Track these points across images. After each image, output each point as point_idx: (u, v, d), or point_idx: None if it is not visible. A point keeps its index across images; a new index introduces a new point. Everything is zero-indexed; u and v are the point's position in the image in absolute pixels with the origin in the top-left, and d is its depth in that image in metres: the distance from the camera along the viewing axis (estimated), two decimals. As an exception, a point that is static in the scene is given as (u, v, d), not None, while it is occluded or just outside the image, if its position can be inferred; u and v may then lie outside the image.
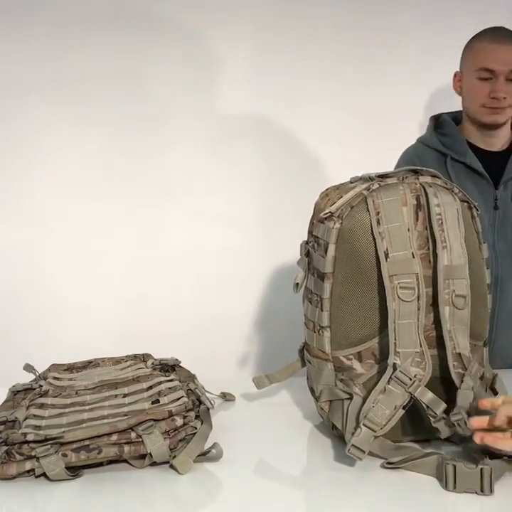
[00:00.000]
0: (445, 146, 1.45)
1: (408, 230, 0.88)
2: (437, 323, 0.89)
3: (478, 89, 1.39)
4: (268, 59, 1.89)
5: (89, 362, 1.16)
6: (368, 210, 0.90)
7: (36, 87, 1.82)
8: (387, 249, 0.88)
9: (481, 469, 0.80)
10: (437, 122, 1.51)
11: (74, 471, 0.84)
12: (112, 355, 1.19)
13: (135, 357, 1.17)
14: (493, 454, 0.85)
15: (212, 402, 0.99)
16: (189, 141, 1.90)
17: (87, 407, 0.94)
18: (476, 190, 1.36)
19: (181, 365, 1.17)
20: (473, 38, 1.43)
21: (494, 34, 1.39)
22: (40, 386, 1.04)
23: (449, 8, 1.93)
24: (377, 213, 0.89)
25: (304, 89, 1.84)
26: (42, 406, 0.96)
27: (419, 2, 1.93)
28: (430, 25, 1.93)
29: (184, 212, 1.92)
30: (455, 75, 1.48)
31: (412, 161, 1.46)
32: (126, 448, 0.85)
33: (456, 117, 1.52)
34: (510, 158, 1.45)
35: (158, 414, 0.87)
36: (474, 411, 0.88)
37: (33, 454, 0.82)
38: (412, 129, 1.90)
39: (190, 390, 1.00)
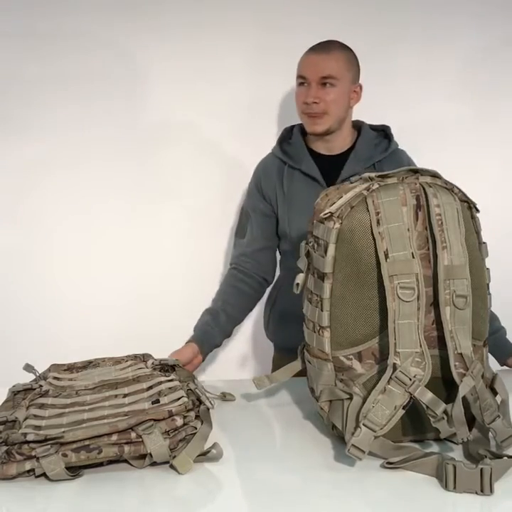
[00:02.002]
0: (286, 155, 1.51)
1: (408, 230, 0.89)
2: (438, 323, 0.89)
3: (297, 96, 1.46)
4: (268, 59, 1.89)
5: (90, 362, 1.16)
6: (368, 210, 0.90)
7: (36, 86, 1.82)
8: (387, 250, 0.88)
9: (481, 469, 0.80)
10: (289, 133, 1.57)
11: (74, 471, 0.84)
12: (112, 355, 1.19)
13: (135, 357, 1.17)
14: (494, 454, 0.85)
15: (212, 402, 0.99)
16: (189, 142, 1.90)
17: (87, 407, 0.94)
18: (312, 193, 1.29)
19: (181, 365, 1.17)
20: None
21: (313, 46, 1.44)
22: (41, 386, 1.04)
23: (449, 7, 1.93)
24: (377, 213, 0.89)
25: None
26: (42, 406, 0.96)
27: (419, 3, 1.93)
28: (431, 25, 1.93)
29: (184, 212, 1.92)
30: None
31: (258, 173, 1.55)
32: (127, 448, 0.85)
33: None
34: (348, 158, 1.48)
35: (158, 414, 0.87)
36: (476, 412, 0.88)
37: (33, 454, 0.82)
38: (413, 127, 1.90)
39: (190, 390, 1.00)
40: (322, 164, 1.49)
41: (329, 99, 1.42)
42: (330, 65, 1.41)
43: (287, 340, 1.59)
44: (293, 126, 1.59)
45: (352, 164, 1.47)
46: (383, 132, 1.57)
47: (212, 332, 1.37)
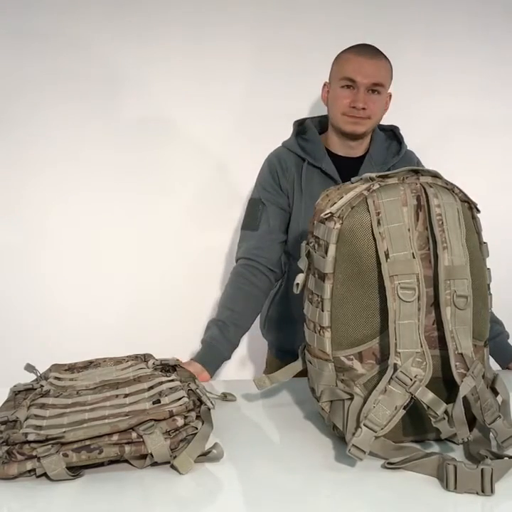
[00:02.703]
0: (304, 151, 1.50)
1: (408, 230, 0.89)
2: (439, 323, 0.89)
3: (340, 97, 1.43)
4: (268, 58, 1.89)
5: (91, 362, 1.16)
6: (369, 211, 0.90)
7: (35, 84, 1.82)
8: (387, 250, 0.88)
9: (482, 470, 0.80)
10: (301, 128, 1.56)
11: (75, 471, 0.84)
12: (113, 355, 1.19)
13: (136, 357, 1.17)
14: (495, 454, 0.85)
15: (213, 402, 0.99)
16: (188, 141, 1.90)
17: (88, 407, 0.94)
18: None
19: (181, 365, 1.17)
20: (342, 51, 1.47)
21: (361, 49, 1.43)
22: (41, 386, 1.04)
23: (451, 4, 1.94)
24: (378, 214, 0.89)
25: (305, 87, 1.84)
26: (43, 406, 0.96)
27: (421, 1, 1.93)
28: (432, 23, 1.94)
29: (184, 212, 1.92)
30: (324, 86, 1.52)
31: (274, 165, 1.52)
32: (127, 448, 0.85)
33: (321, 122, 1.57)
34: (363, 162, 1.49)
35: (159, 414, 0.87)
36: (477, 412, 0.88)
37: (34, 453, 0.82)
38: (415, 125, 1.90)
39: (191, 390, 1.00)
40: (338, 165, 1.49)
41: (375, 106, 1.43)
42: (381, 73, 1.41)
43: (282, 341, 1.59)
44: (303, 120, 1.57)
45: (367, 168, 1.47)
46: (391, 132, 1.56)
47: (221, 348, 1.32)
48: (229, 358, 1.35)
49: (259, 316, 1.67)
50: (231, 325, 1.35)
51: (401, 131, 1.59)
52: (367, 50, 1.43)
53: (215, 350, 1.32)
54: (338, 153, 1.51)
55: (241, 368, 1.97)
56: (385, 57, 1.45)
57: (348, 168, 1.48)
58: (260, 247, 1.46)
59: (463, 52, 1.96)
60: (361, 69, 1.40)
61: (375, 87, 1.41)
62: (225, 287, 1.46)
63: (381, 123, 1.56)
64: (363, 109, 1.41)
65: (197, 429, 0.91)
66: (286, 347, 1.57)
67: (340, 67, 1.44)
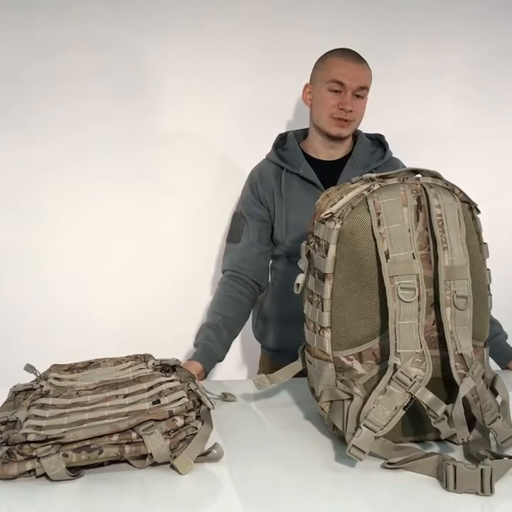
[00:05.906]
0: (283, 160, 1.53)
1: (409, 230, 0.89)
2: (439, 323, 0.89)
3: (327, 99, 1.46)
4: (269, 57, 1.89)
5: (90, 362, 1.16)
6: (369, 211, 0.90)
7: (35, 84, 1.82)
8: (387, 250, 0.88)
9: (482, 470, 0.80)
10: (282, 140, 1.59)
11: (75, 471, 0.84)
12: (113, 355, 1.19)
13: (136, 357, 1.17)
14: (494, 454, 0.85)
15: (212, 402, 0.99)
16: (189, 142, 1.90)
17: (87, 408, 0.94)
18: (310, 198, 1.29)
19: (182, 365, 1.17)
20: (325, 54, 1.50)
21: (346, 53, 1.46)
22: (41, 386, 1.04)
23: (451, 6, 1.94)
24: (378, 214, 0.89)
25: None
26: (43, 406, 0.96)
27: (422, 2, 1.93)
28: (434, 22, 1.94)
29: (185, 213, 1.92)
30: (305, 87, 1.54)
31: (254, 177, 1.56)
32: (127, 448, 0.85)
33: (302, 134, 1.59)
34: (346, 164, 1.51)
35: (158, 414, 0.87)
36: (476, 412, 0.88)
37: (34, 454, 0.82)
38: (415, 126, 1.90)
39: (191, 390, 1.00)
40: (319, 169, 1.51)
41: (361, 109, 1.47)
42: (366, 76, 1.45)
43: (274, 342, 1.60)
44: (286, 133, 1.60)
45: (349, 170, 1.49)
46: (377, 141, 1.59)
47: (216, 349, 1.35)
48: (222, 359, 1.38)
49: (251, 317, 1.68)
50: (224, 328, 1.39)
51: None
52: (353, 55, 1.46)
53: (211, 351, 1.35)
54: (319, 158, 1.54)
55: (241, 368, 1.97)
56: (367, 62, 1.48)
57: (329, 171, 1.50)
58: (243, 259, 1.50)
59: (464, 54, 1.96)
60: (349, 73, 1.43)
61: (361, 91, 1.44)
62: (213, 297, 1.49)
63: (367, 132, 1.58)
64: (350, 111, 1.44)
65: (197, 429, 0.91)
66: (277, 346, 1.58)
67: (326, 71, 1.46)
